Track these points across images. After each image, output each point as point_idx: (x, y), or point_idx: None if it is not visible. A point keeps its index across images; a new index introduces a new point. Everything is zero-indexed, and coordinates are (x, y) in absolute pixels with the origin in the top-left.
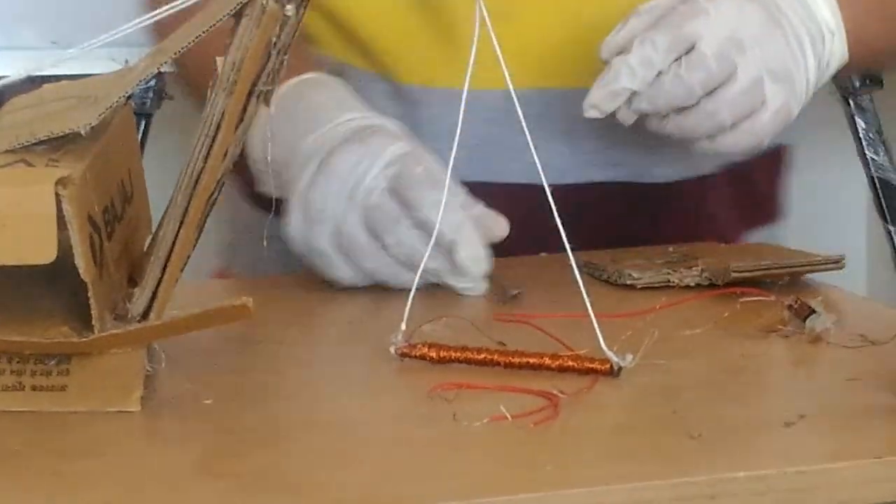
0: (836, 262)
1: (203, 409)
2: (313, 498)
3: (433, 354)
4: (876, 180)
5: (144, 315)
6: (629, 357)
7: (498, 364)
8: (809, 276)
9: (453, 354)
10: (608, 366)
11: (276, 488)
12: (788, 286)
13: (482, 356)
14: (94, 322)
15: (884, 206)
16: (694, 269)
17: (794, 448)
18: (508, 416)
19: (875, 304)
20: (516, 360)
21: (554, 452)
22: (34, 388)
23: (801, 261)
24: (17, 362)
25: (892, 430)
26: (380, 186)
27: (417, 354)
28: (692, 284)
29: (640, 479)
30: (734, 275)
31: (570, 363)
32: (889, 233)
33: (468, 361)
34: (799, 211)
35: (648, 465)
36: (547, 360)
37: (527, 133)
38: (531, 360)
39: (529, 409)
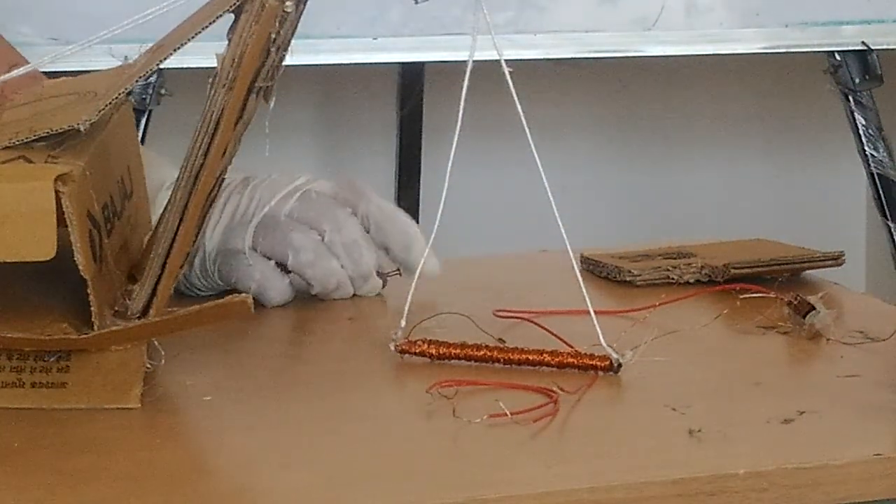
0: (836, 259)
1: (202, 405)
2: (312, 494)
3: (433, 351)
4: (875, 177)
5: (144, 312)
6: (629, 353)
7: (497, 361)
8: (809, 272)
9: (453, 351)
10: (608, 362)
11: (274, 485)
12: (788, 282)
13: (481, 353)
14: (93, 319)
15: (883, 202)
16: (693, 265)
17: (793, 445)
18: (508, 413)
19: (874, 301)
20: (516, 356)
21: (554, 449)
22: (34, 385)
23: (801, 257)
24: (17, 359)
25: (892, 427)
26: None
27: (417, 351)
28: (692, 281)
29: (640, 476)
30: (734, 271)
31: (570, 360)
32: (889, 229)
33: (468, 358)
34: (799, 207)
35: (649, 462)
36: (546, 357)
37: (526, 129)
38: (531, 357)
39: (529, 406)
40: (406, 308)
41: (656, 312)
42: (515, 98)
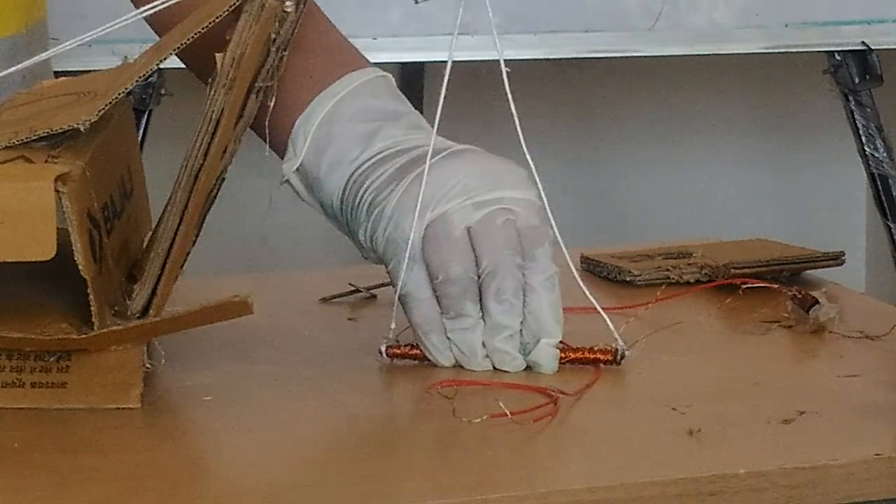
0: (836, 259)
1: (202, 405)
2: (312, 494)
3: (419, 352)
4: (876, 176)
5: (144, 312)
6: (624, 347)
7: None
8: (809, 272)
9: None
10: (609, 356)
11: (274, 485)
12: (788, 282)
13: None
14: (93, 319)
15: (883, 202)
16: (693, 265)
17: (793, 444)
18: (508, 413)
19: (874, 301)
20: None
21: (554, 449)
22: (34, 385)
23: (801, 257)
24: (17, 359)
25: (892, 427)
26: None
27: (406, 354)
28: (692, 281)
29: (640, 476)
30: (734, 271)
31: (571, 355)
32: (888, 229)
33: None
34: (799, 207)
35: (649, 462)
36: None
37: (518, 129)
38: None
39: (529, 406)
40: (394, 311)
41: (656, 312)
42: (510, 98)
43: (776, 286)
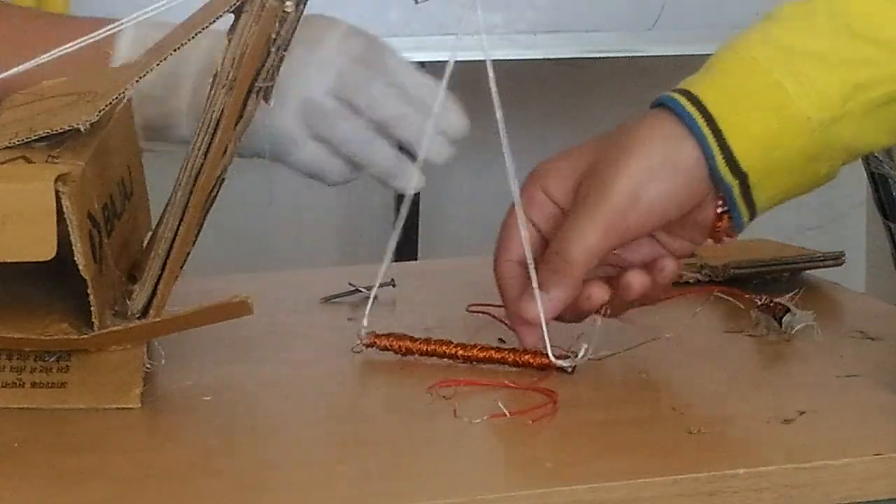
0: (836, 259)
1: (202, 405)
2: (312, 494)
3: (397, 346)
4: (876, 176)
5: (144, 312)
6: (583, 349)
7: (459, 358)
8: (809, 272)
9: (417, 346)
10: (545, 360)
11: (275, 484)
12: (788, 283)
13: (444, 349)
14: (93, 319)
15: (883, 202)
16: (693, 265)
17: (793, 444)
18: (507, 413)
19: (874, 301)
20: (481, 354)
21: (553, 449)
22: (34, 385)
23: (801, 257)
24: (17, 359)
25: (891, 427)
26: (346, 55)
27: (382, 346)
28: (692, 281)
29: (639, 476)
30: (734, 271)
31: (529, 359)
32: (888, 229)
33: (431, 354)
34: (798, 207)
35: (648, 462)
36: (509, 356)
37: (502, 131)
38: (493, 355)
39: (528, 406)
40: (369, 305)
41: (656, 312)
42: (496, 98)
43: (746, 294)
